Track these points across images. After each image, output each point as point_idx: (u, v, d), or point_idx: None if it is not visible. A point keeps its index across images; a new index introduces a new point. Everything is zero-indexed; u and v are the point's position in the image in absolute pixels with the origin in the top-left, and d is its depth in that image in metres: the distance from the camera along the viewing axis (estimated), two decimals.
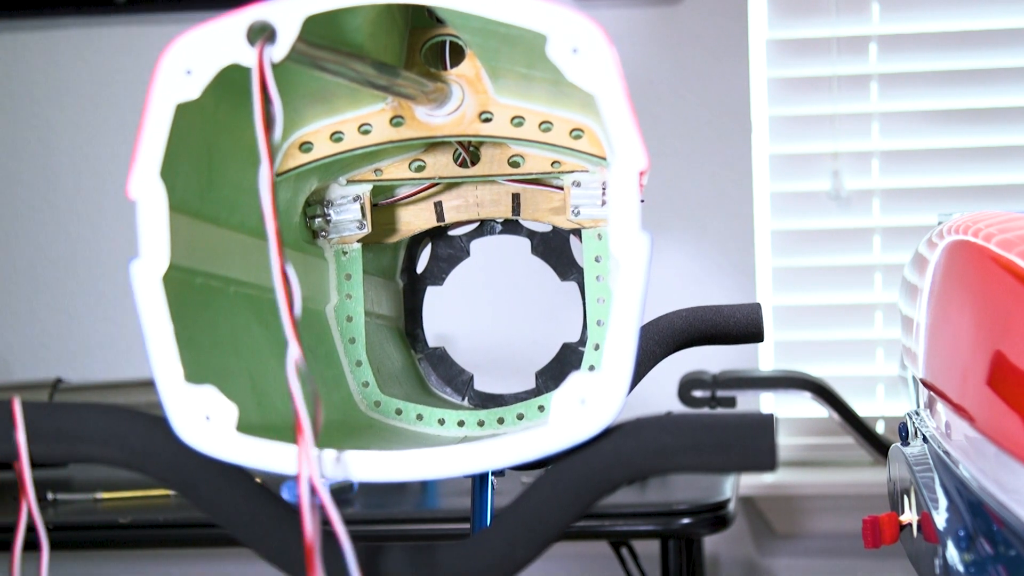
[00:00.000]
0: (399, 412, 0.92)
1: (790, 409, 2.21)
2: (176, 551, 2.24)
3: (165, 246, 0.67)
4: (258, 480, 0.70)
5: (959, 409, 0.83)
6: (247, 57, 0.66)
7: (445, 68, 0.89)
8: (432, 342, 1.03)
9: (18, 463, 0.69)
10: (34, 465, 0.70)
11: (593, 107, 0.73)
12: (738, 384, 1.89)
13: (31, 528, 0.71)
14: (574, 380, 0.66)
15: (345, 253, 0.95)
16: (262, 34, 0.66)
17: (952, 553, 0.77)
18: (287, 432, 0.68)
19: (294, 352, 0.63)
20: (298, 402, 0.63)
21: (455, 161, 0.93)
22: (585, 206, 0.92)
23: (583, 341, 0.97)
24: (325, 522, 0.67)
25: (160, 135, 0.68)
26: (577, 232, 0.96)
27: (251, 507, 0.69)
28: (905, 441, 1.03)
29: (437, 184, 0.96)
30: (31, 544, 0.72)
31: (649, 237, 0.66)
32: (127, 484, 1.80)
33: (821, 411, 1.95)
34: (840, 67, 2.17)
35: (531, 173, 0.93)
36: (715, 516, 1.62)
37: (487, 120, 0.88)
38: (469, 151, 0.93)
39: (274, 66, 0.65)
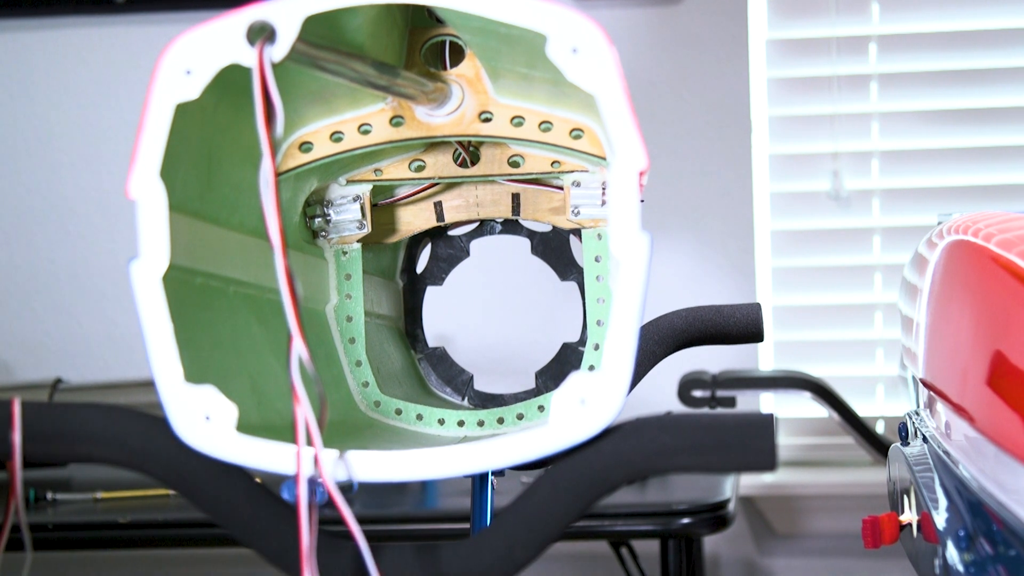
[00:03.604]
0: (399, 412, 0.92)
1: (790, 409, 2.21)
2: (176, 551, 2.24)
3: (165, 246, 0.67)
4: (258, 480, 0.70)
5: (959, 409, 0.83)
6: (247, 57, 0.66)
7: (445, 68, 0.89)
8: (432, 342, 1.02)
9: (11, 463, 0.69)
10: (35, 465, 0.70)
11: (593, 107, 0.73)
12: (738, 384, 1.89)
13: (19, 528, 0.71)
14: (574, 380, 0.66)
15: (345, 253, 0.95)
16: (262, 34, 0.66)
17: (952, 553, 0.77)
18: (287, 432, 0.68)
19: (299, 350, 0.63)
20: (299, 401, 0.63)
21: (455, 161, 0.93)
22: (585, 206, 0.92)
23: (583, 341, 0.97)
24: (326, 521, 0.67)
25: (160, 135, 0.68)
26: (577, 232, 0.96)
27: (251, 507, 0.69)
28: (905, 441, 1.03)
29: (437, 184, 0.96)
30: (20, 544, 0.72)
31: (649, 237, 0.66)
32: (127, 484, 1.80)
33: (821, 411, 1.95)
34: (840, 67, 2.17)
35: (531, 173, 0.93)
36: (715, 516, 1.62)
37: (487, 120, 0.88)
38: (469, 151, 0.93)
39: (274, 66, 0.65)
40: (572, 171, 0.92)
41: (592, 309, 0.93)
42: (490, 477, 1.02)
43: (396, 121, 0.88)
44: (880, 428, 2.14)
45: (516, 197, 0.96)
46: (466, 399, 1.01)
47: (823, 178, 2.18)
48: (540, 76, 0.82)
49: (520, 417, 0.92)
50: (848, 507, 2.12)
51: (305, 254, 0.92)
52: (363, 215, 0.93)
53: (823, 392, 1.88)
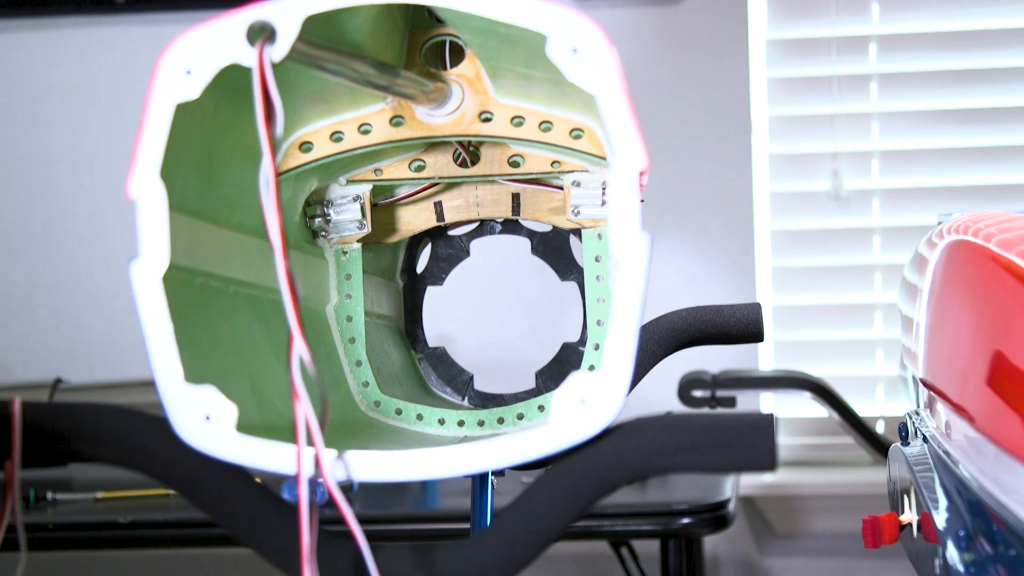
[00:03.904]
0: (399, 412, 0.92)
1: (790, 409, 2.21)
2: (176, 551, 2.24)
3: (165, 246, 0.67)
4: (258, 480, 0.70)
5: (959, 409, 0.83)
6: (247, 57, 0.66)
7: (445, 68, 0.89)
8: (432, 342, 1.02)
9: (9, 463, 0.69)
10: (35, 464, 0.70)
11: (593, 107, 0.73)
12: (738, 384, 1.89)
13: (16, 528, 0.71)
14: (574, 380, 0.66)
15: (345, 253, 0.95)
16: (262, 34, 0.66)
17: (952, 553, 0.77)
18: (287, 432, 0.68)
19: (300, 350, 0.63)
20: (300, 400, 0.63)
21: (455, 161, 0.93)
22: (585, 206, 0.92)
23: (583, 341, 0.97)
24: (326, 521, 0.67)
25: (160, 135, 0.68)
26: (577, 232, 0.96)
27: (251, 507, 0.69)
28: (905, 441, 1.03)
29: (437, 184, 0.96)
30: (15, 544, 0.72)
31: (649, 237, 0.66)
32: (127, 484, 1.80)
33: (821, 411, 1.95)
34: (840, 67, 2.17)
35: (531, 173, 0.93)
36: (715, 516, 1.62)
37: (487, 120, 0.88)
38: (469, 151, 0.93)
39: (274, 66, 0.65)
40: (572, 171, 0.92)
41: (592, 309, 0.93)
42: (490, 477, 1.02)
43: (396, 121, 0.88)
44: (880, 428, 2.14)
45: (516, 197, 0.96)
46: (466, 399, 1.01)
47: (823, 178, 2.18)
48: (540, 76, 0.82)
49: (520, 417, 0.92)
50: (848, 507, 2.12)
51: (305, 254, 0.92)
52: (363, 215, 0.93)
53: (823, 392, 1.88)
